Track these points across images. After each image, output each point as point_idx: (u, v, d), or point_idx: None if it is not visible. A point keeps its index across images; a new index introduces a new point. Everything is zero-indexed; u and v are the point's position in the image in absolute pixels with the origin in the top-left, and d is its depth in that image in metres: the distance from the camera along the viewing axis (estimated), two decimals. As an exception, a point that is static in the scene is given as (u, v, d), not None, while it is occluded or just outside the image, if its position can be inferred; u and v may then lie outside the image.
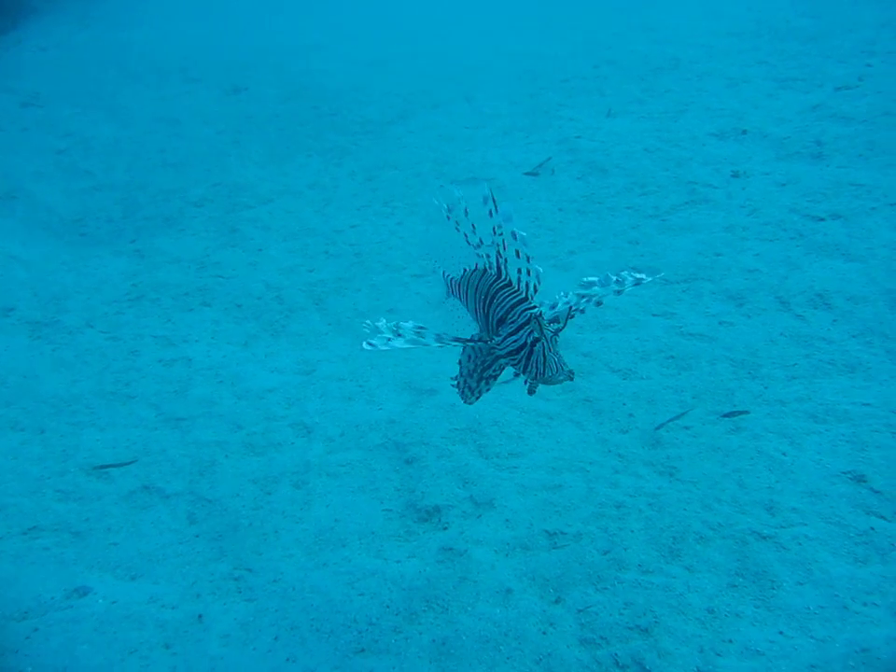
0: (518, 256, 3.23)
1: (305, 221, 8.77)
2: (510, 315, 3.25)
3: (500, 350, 3.29)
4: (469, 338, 3.43)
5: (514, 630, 3.95)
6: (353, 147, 10.60)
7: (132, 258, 8.14)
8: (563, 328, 3.17)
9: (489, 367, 3.45)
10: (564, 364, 3.13)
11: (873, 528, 4.19)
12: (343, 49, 14.91)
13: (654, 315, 6.51)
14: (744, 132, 9.21)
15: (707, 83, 10.90)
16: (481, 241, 3.43)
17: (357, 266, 7.77)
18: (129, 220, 9.05)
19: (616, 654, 3.76)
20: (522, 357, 3.17)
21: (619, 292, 3.08)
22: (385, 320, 3.14)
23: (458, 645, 3.90)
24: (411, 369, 6.11)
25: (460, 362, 3.49)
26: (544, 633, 3.92)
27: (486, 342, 3.39)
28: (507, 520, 4.62)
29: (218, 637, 4.03)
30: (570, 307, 3.10)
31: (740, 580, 4.07)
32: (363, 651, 3.93)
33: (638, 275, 3.14)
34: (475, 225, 3.43)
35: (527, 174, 9.23)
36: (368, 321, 3.12)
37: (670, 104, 10.42)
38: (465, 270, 3.68)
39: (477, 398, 3.51)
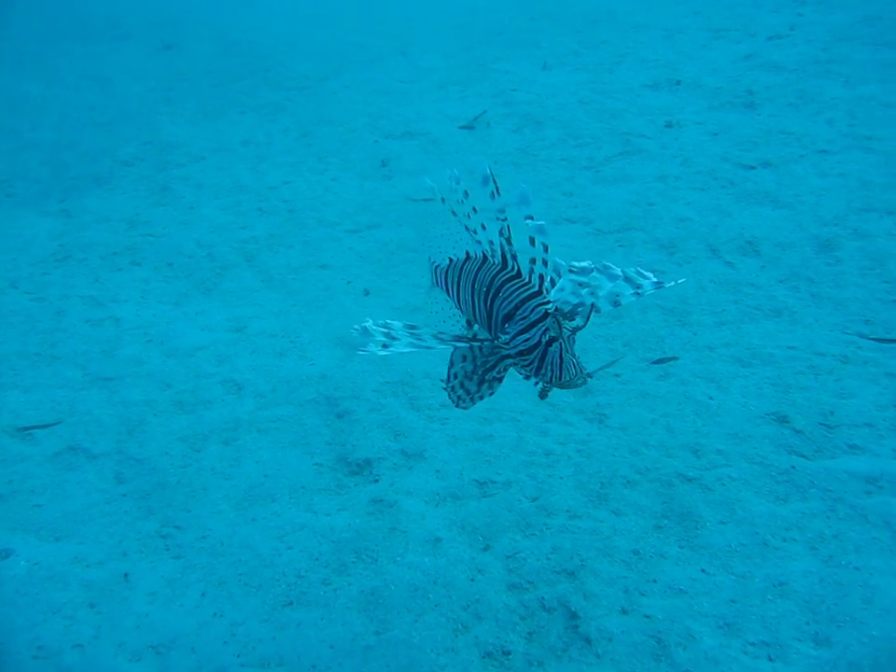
0: (533, 244, 2.91)
1: (238, 178, 8.64)
2: (519, 311, 2.94)
3: (508, 350, 2.98)
4: (471, 336, 3.14)
5: (443, 578, 3.96)
6: (287, 103, 10.44)
7: (59, 218, 7.96)
8: (583, 327, 2.83)
9: (492, 368, 3.11)
10: (582, 367, 2.86)
11: (793, 467, 4.26)
12: (277, 5, 14.63)
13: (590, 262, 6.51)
14: (678, 82, 9.22)
15: (643, 34, 10.89)
16: (483, 226, 3.10)
17: (291, 222, 7.68)
18: (57, 180, 8.84)
19: (543, 598, 3.79)
20: (534, 359, 2.88)
21: (638, 294, 2.75)
22: (371, 321, 2.87)
23: (387, 594, 3.90)
24: (343, 324, 6.06)
25: (452, 362, 3.14)
26: (472, 580, 3.94)
27: (491, 340, 3.06)
28: (437, 470, 4.63)
29: (145, 595, 3.99)
30: (593, 304, 2.75)
31: (665, 521, 4.12)
32: (291, 603, 3.92)
33: (647, 273, 2.79)
34: (476, 208, 3.13)
35: (462, 127, 9.17)
36: (356, 326, 2.85)
37: (605, 55, 10.40)
38: (451, 259, 3.36)
39: (475, 402, 3.16)
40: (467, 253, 3.28)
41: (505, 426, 4.92)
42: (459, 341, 3.02)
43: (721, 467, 4.37)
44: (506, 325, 2.99)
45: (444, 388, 3.18)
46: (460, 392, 3.14)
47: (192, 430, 5.07)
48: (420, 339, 2.89)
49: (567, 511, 4.25)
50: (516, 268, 3.03)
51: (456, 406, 3.18)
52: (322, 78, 11.06)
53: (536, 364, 2.89)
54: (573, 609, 3.71)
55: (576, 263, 2.67)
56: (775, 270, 5.99)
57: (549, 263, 2.90)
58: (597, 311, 2.78)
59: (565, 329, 2.83)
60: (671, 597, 3.73)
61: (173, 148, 9.36)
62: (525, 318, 2.92)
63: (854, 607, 3.53)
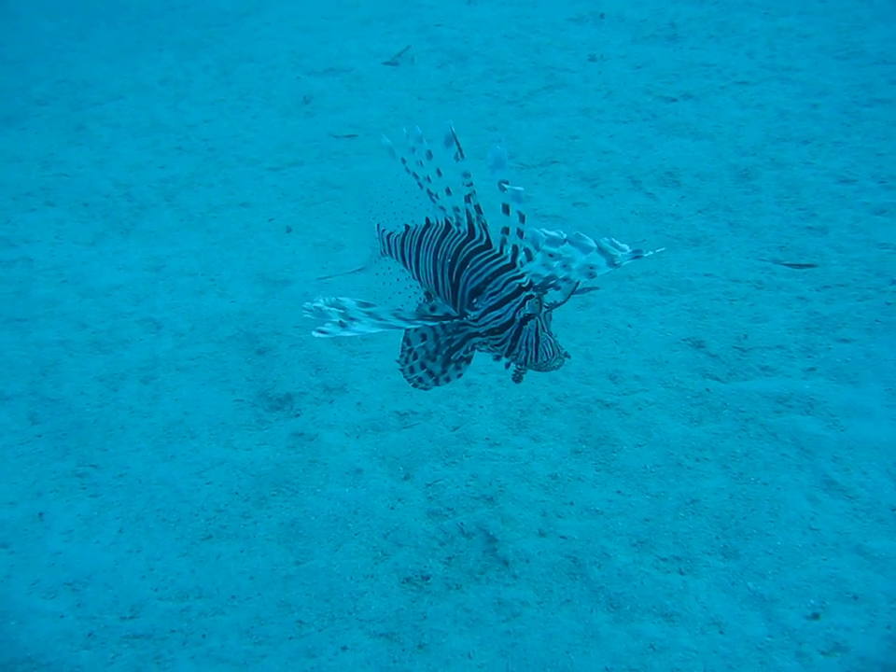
0: (507, 212, 2.66)
1: (157, 117, 8.41)
2: (490, 286, 2.71)
3: (477, 327, 2.76)
4: (433, 310, 2.90)
5: (363, 508, 3.97)
6: (207, 40, 10.16)
7: (-32, 159, 7.68)
8: (562, 303, 2.65)
9: (458, 347, 2.87)
10: (559, 347, 2.67)
11: (708, 390, 4.34)
12: (197, -62, 14.17)
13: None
14: (602, 16, 9.17)
15: (568, -32, 10.77)
16: (448, 190, 2.84)
17: (211, 161, 7.52)
18: (-35, 120, 8.52)
19: (462, 523, 3.83)
20: (507, 338, 2.68)
21: (615, 265, 2.57)
22: (322, 299, 2.67)
23: (307, 525, 3.91)
24: (264, 262, 5.98)
25: (408, 340, 2.89)
26: (392, 508, 3.96)
27: (458, 318, 2.81)
28: (358, 403, 4.62)
29: (60, 534, 3.94)
30: (577, 283, 2.61)
31: (583, 446, 4.17)
32: (210, 537, 3.90)
33: (622, 245, 2.66)
34: (440, 170, 2.87)
35: (386, 63, 9.03)
36: (307, 304, 2.65)
37: (531, -11, 10.28)
38: (408, 226, 3.13)
39: (440, 384, 2.94)
40: (427, 220, 3.03)
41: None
42: (425, 318, 2.78)
43: (639, 392, 4.43)
44: (474, 300, 2.75)
45: (400, 369, 2.94)
46: (421, 374, 2.90)
47: (109, 370, 4.99)
48: (381, 318, 2.65)
49: (487, 438, 4.28)
50: (485, 237, 2.79)
51: (414, 386, 2.96)
52: (243, 15, 10.78)
53: (509, 343, 2.68)
54: (491, 534, 3.75)
55: (546, 232, 2.56)
56: (694, 200, 6.04)
57: (524, 234, 2.66)
58: (571, 283, 2.61)
59: (538, 298, 2.63)
60: (587, 518, 3.79)
61: (88, 87, 9.07)
62: (496, 293, 2.69)
63: (761, 520, 3.63)
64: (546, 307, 2.64)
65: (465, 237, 2.82)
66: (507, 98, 7.97)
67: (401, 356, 2.93)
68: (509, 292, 2.68)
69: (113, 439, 4.49)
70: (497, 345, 2.74)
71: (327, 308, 2.66)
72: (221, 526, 3.96)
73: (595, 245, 2.57)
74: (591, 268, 2.56)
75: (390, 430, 4.41)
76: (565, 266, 2.53)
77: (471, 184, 2.74)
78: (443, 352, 2.86)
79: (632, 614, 3.34)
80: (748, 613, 3.28)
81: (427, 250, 2.96)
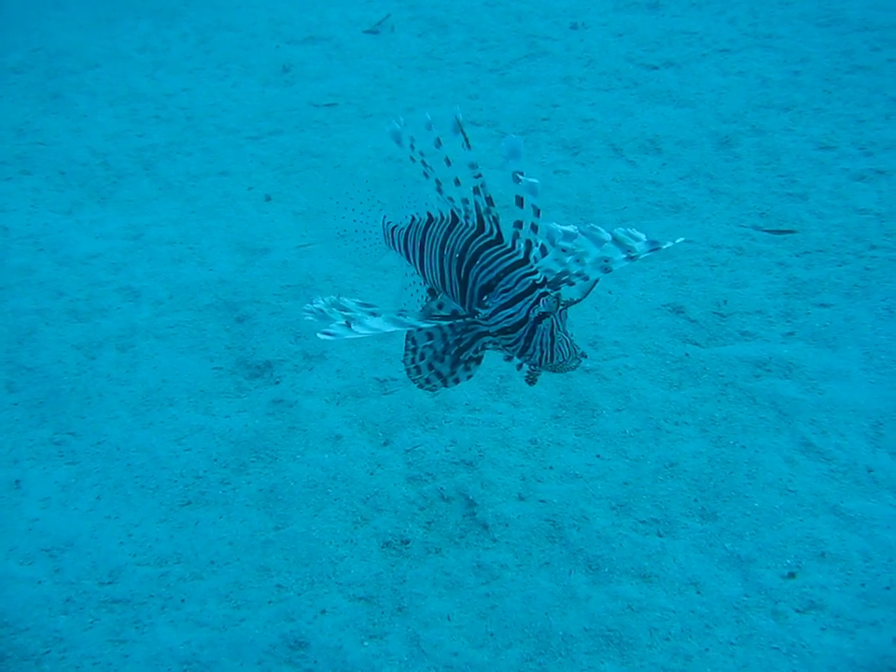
0: (521, 205, 2.55)
1: (134, 86, 8.33)
2: (501, 282, 2.58)
3: (487, 326, 2.62)
4: (448, 314, 2.74)
5: (343, 473, 3.96)
6: (184, 7, 10.05)
7: (-58, 127, 7.59)
8: (579, 301, 2.52)
9: (468, 347, 2.73)
10: (575, 347, 2.54)
11: (687, 355, 4.34)
12: None
13: (491, 168, 6.46)
14: (584, -17, 9.09)
15: (550, -64, 10.68)
16: (457, 181, 2.70)
17: (190, 130, 7.45)
18: (-61, 89, 8.41)
19: (441, 488, 3.83)
20: (520, 337, 2.54)
21: (632, 258, 2.48)
22: (321, 299, 2.55)
23: (286, 491, 3.90)
24: (243, 230, 5.93)
25: (413, 340, 2.73)
26: (372, 474, 3.95)
27: (468, 317, 2.65)
28: (338, 370, 4.60)
29: (37, 501, 3.92)
30: (596, 280, 2.48)
31: (563, 411, 4.17)
32: (189, 503, 3.89)
33: (638, 234, 2.55)
34: (449, 159, 2.72)
35: (367, 31, 8.96)
36: (308, 306, 2.52)
37: (512, -43, 10.18)
38: (415, 217, 2.97)
39: (448, 386, 2.80)
40: (429, 214, 2.88)
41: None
42: (433, 318, 2.63)
43: (618, 357, 4.43)
44: (484, 297, 2.61)
45: (406, 370, 2.78)
46: (428, 374, 2.74)
47: (87, 338, 4.95)
48: (392, 319, 2.48)
49: (467, 404, 4.28)
50: (495, 231, 2.65)
51: (421, 387, 2.82)
52: (221, -18, 10.64)
53: (522, 343, 2.55)
54: (471, 498, 3.75)
55: (560, 227, 2.40)
56: (675, 167, 6.03)
57: (539, 229, 2.53)
58: (585, 279, 2.49)
59: (556, 296, 2.49)
60: (567, 482, 3.80)
61: (64, 55, 8.96)
62: (508, 290, 2.55)
63: (739, 482, 3.64)
64: (562, 305, 2.50)
65: (474, 231, 2.68)
66: (488, 66, 7.92)
67: (406, 355, 2.76)
68: (522, 289, 2.54)
69: (91, 406, 4.46)
70: (509, 345, 2.60)
71: (328, 309, 2.53)
72: (200, 493, 3.94)
73: (609, 238, 2.44)
74: (606, 261, 2.45)
75: (370, 397, 4.40)
76: (578, 261, 2.42)
77: (480, 175, 2.62)
78: (452, 352, 2.71)
79: (610, 576, 3.36)
80: (725, 573, 3.30)
81: (432, 244, 2.80)
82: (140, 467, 4.08)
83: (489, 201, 2.64)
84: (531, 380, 2.74)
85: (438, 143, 2.76)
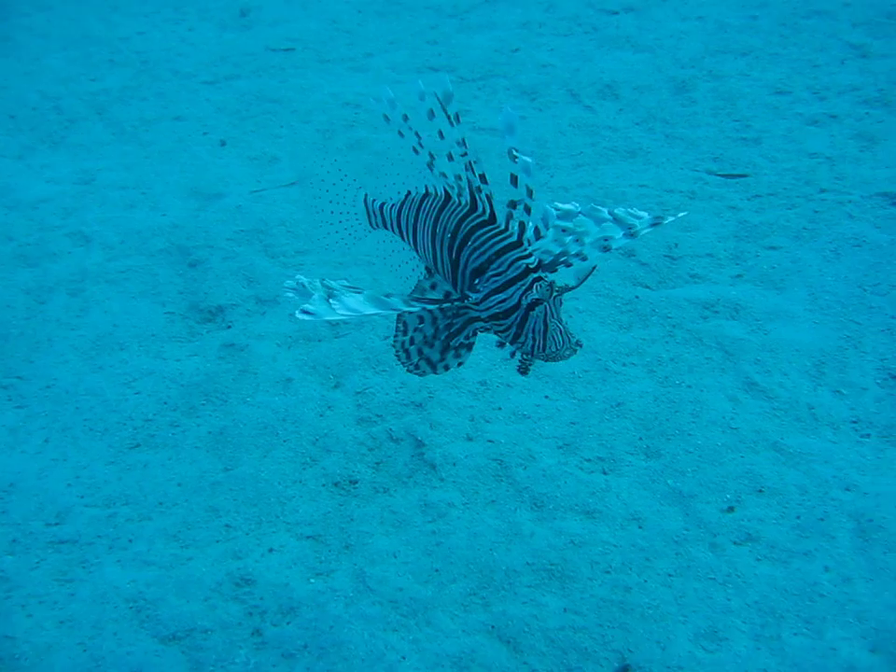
0: (516, 185, 2.37)
1: (88, 29, 8.17)
2: (493, 266, 2.43)
3: (479, 311, 2.49)
4: (439, 296, 2.61)
5: (292, 416, 3.97)
6: (140, -51, 9.81)
7: None
8: (575, 287, 2.38)
9: (458, 332, 2.60)
10: (570, 334, 2.41)
11: (637, 297, 4.37)
12: None
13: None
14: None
15: None
16: (450, 156, 2.48)
17: (145, 74, 7.33)
18: None
19: (391, 429, 3.85)
20: (511, 324, 2.41)
21: (631, 236, 2.37)
22: (303, 277, 2.34)
23: (236, 433, 3.90)
24: (198, 175, 5.87)
25: (404, 323, 2.60)
26: (322, 416, 3.96)
27: (458, 300, 2.52)
28: (290, 314, 4.58)
29: (-16, 444, 3.91)
30: (594, 267, 2.35)
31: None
32: (138, 446, 3.89)
33: (641, 213, 2.43)
34: (443, 132, 2.49)
35: (326, -26, 8.80)
36: (288, 281, 2.33)
37: None
38: (410, 193, 2.76)
39: (438, 373, 2.66)
40: (426, 188, 2.70)
41: (360, 269, 4.88)
42: (422, 301, 2.48)
43: (570, 300, 4.44)
44: (476, 281, 2.47)
45: (395, 354, 2.63)
46: (417, 360, 2.61)
47: (36, 283, 4.90)
48: (376, 298, 2.32)
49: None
50: (488, 211, 2.49)
51: (409, 371, 2.66)
52: (178, -76, 10.41)
53: (514, 330, 2.41)
54: (420, 438, 3.78)
55: (560, 205, 2.30)
56: (632, 112, 6.01)
57: (533, 210, 2.39)
58: (584, 259, 2.36)
59: (550, 283, 2.36)
60: (515, 423, 3.83)
61: (15, -3, 8.77)
62: (500, 274, 2.41)
63: (684, 421, 3.69)
64: (556, 291, 2.35)
65: (466, 210, 2.51)
66: (448, 11, 7.83)
67: (395, 337, 2.62)
68: (514, 273, 2.38)
69: (40, 351, 4.43)
70: (500, 332, 2.46)
71: (309, 284, 2.31)
72: (149, 435, 3.94)
73: (609, 216, 2.35)
74: (606, 240, 2.33)
75: (322, 340, 4.40)
76: (577, 241, 2.31)
77: (465, 154, 2.43)
78: (442, 337, 2.57)
79: (555, 513, 3.40)
80: (666, 509, 3.36)
81: (425, 222, 2.63)
82: (89, 410, 4.07)
83: (482, 178, 2.45)
84: (523, 370, 2.56)
85: (431, 114, 2.49)
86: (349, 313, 2.21)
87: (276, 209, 5.41)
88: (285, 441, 3.86)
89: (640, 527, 3.30)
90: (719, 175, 5.18)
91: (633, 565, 3.16)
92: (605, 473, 3.55)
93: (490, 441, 3.75)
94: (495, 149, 5.83)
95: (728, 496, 3.36)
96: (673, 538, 3.23)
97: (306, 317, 2.14)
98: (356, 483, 3.65)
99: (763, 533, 3.18)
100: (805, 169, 5.08)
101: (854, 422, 3.59)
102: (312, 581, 3.27)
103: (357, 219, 3.00)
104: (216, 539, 3.45)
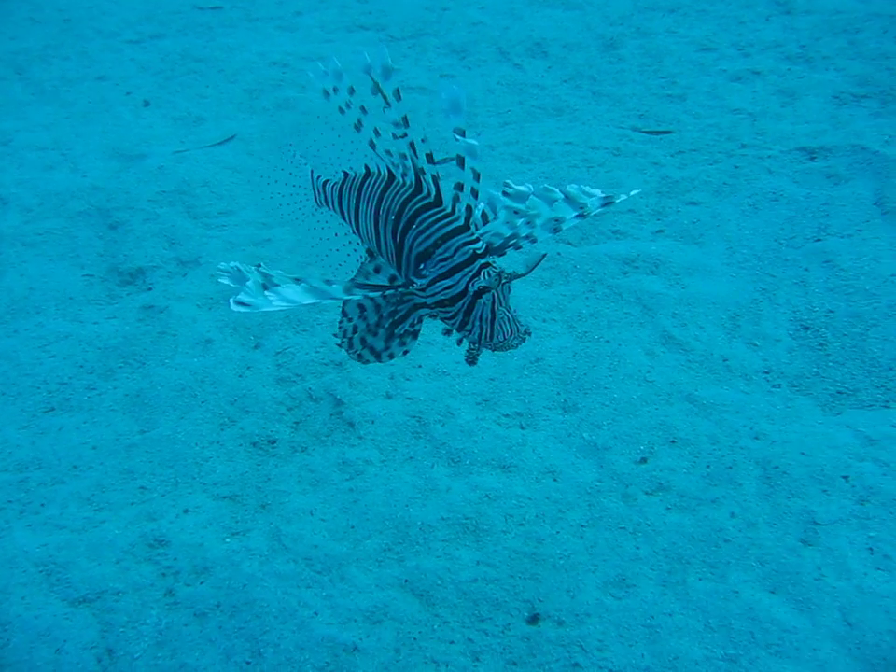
0: (462, 166, 2.25)
1: (8, -13, 7.93)
2: (439, 250, 2.32)
3: (425, 298, 2.39)
4: (383, 283, 2.48)
5: (211, 377, 3.93)
6: None
7: None
8: (524, 275, 2.31)
9: (403, 319, 2.49)
10: (518, 323, 2.33)
11: (559, 254, 4.37)
12: None
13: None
14: None
15: None
16: (398, 133, 2.37)
17: (67, 33, 7.15)
18: None
19: (310, 389, 3.82)
20: (458, 311, 2.32)
21: (582, 216, 2.28)
22: (236, 264, 2.20)
23: (153, 395, 3.85)
24: (120, 136, 5.75)
25: (346, 314, 2.49)
26: (241, 376, 3.93)
27: (402, 286, 2.41)
28: (212, 275, 4.51)
29: None
30: (543, 255, 2.37)
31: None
32: (53, 409, 3.82)
33: (593, 190, 2.33)
34: (388, 107, 2.38)
35: (256, -68, 8.62)
36: (222, 265, 2.20)
37: None
38: (347, 173, 2.65)
39: (383, 361, 2.56)
40: (366, 168, 2.57)
41: (283, 230, 4.83)
42: (364, 288, 2.36)
43: (492, 257, 4.44)
44: (421, 266, 2.36)
45: (338, 344, 2.54)
46: (361, 350, 2.50)
47: (-51, 247, 4.78)
48: (312, 286, 2.21)
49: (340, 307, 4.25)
50: (433, 193, 2.38)
51: (354, 359, 2.57)
52: None
53: (460, 318, 2.32)
54: (339, 397, 3.76)
55: (513, 186, 2.18)
56: (560, 70, 5.99)
57: (480, 194, 2.30)
58: (533, 241, 2.29)
59: (498, 273, 2.26)
60: (434, 380, 3.83)
61: (-68, -46, 8.47)
62: (446, 259, 2.31)
63: (601, 375, 3.71)
64: (505, 278, 2.26)
65: (411, 191, 2.40)
66: (378, -32, 7.71)
67: (339, 327, 2.51)
68: (461, 259, 2.29)
69: (-48, 316, 4.33)
70: (447, 319, 2.37)
71: (245, 269, 2.19)
72: (65, 399, 3.88)
73: (561, 196, 2.25)
74: (556, 221, 2.25)
75: (243, 301, 4.34)
76: (529, 223, 2.20)
77: (405, 135, 2.33)
78: (386, 325, 2.47)
79: (471, 468, 3.41)
80: (581, 461, 3.38)
81: (367, 203, 2.51)
82: (1, 374, 3.98)
83: (429, 158, 2.35)
84: (471, 359, 2.45)
85: (377, 89, 2.37)
86: (286, 304, 2.10)
87: (200, 170, 5.32)
88: (203, 403, 3.81)
89: (555, 480, 3.32)
90: (643, 132, 5.19)
91: (546, 517, 3.19)
92: (522, 428, 3.56)
93: (409, 398, 3.74)
94: (423, 108, 5.78)
95: (642, 447, 3.39)
96: (587, 489, 3.26)
97: (241, 309, 2.04)
98: (274, 442, 3.62)
99: (674, 482, 3.21)
100: (727, 125, 5.10)
101: (766, 373, 3.64)
102: (227, 540, 3.25)
103: (286, 183, 2.95)
104: (130, 502, 3.41)
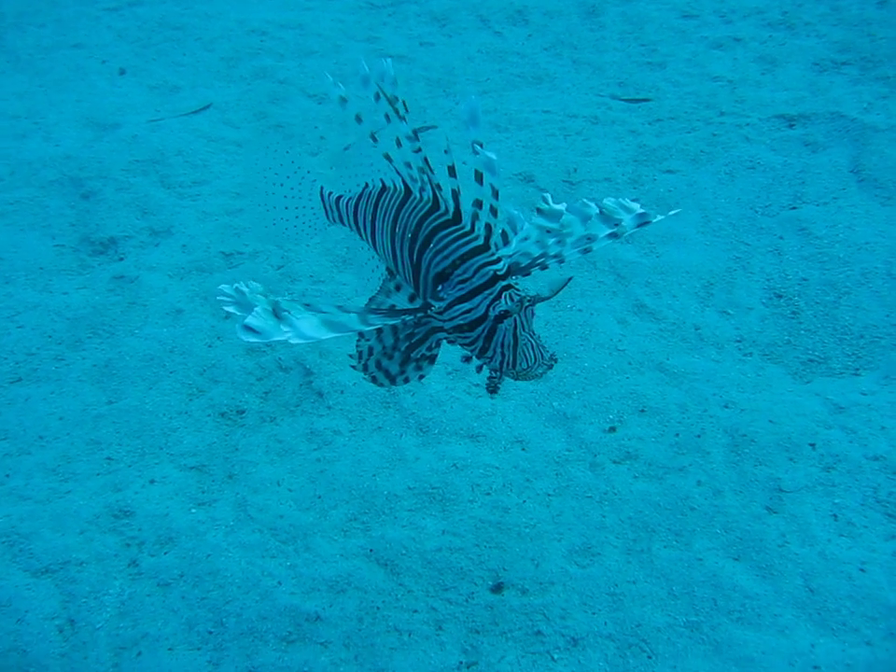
0: (480, 182, 2.13)
1: (-17, -46, 7.80)
2: (458, 271, 2.18)
3: (443, 321, 2.25)
4: (403, 308, 2.36)
5: (181, 347, 3.89)
6: None
7: None
8: (549, 298, 2.14)
9: (420, 343, 2.36)
10: (543, 349, 2.20)
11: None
12: None
13: (358, 41, 6.29)
14: None
15: None
16: (417, 143, 2.25)
17: (42, 0, 7.04)
18: None
19: (280, 359, 3.79)
20: (478, 337, 2.17)
21: (616, 236, 2.13)
22: (244, 284, 2.00)
23: (122, 366, 3.81)
24: (94, 104, 5.67)
25: (361, 332, 2.35)
26: (210, 346, 3.89)
27: (420, 310, 2.27)
28: (184, 245, 4.48)
29: None
30: (569, 278, 2.16)
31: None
32: (20, 380, 3.78)
33: (632, 204, 2.19)
34: (406, 116, 2.26)
35: None
36: (224, 287, 2.00)
37: None
38: (367, 185, 2.51)
39: (397, 385, 2.43)
40: (382, 182, 2.43)
41: (258, 199, 4.76)
42: (379, 313, 2.23)
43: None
44: (439, 287, 2.23)
45: (353, 366, 2.41)
46: (375, 373, 2.38)
47: (-81, 217, 4.72)
48: (323, 312, 2.06)
49: (311, 276, 4.22)
50: (451, 210, 2.24)
51: (372, 383, 2.45)
52: None
53: (480, 344, 2.18)
54: (308, 367, 3.73)
55: (549, 203, 2.07)
56: (541, 38, 5.92)
57: (499, 212, 2.17)
58: (561, 261, 2.17)
59: (521, 298, 2.12)
60: (406, 349, 3.79)
61: None
62: (465, 280, 2.17)
63: (572, 344, 3.68)
64: (528, 301, 2.12)
65: (428, 207, 2.27)
66: (360, -65, 7.60)
67: (356, 349, 2.40)
68: (481, 281, 2.15)
69: (-81, 285, 4.28)
70: (466, 345, 2.23)
71: (250, 293, 1.99)
72: (32, 369, 3.84)
73: (597, 210, 2.13)
74: (588, 239, 2.11)
75: (215, 271, 4.31)
76: (559, 241, 2.08)
77: (420, 150, 2.22)
78: (402, 348, 2.35)
79: (440, 437, 3.39)
80: (550, 431, 3.35)
81: (384, 220, 2.38)
82: (-32, 345, 3.95)
83: (451, 171, 2.21)
84: (492, 388, 2.30)
85: (399, 103, 2.26)
86: (302, 340, 1.94)
87: (174, 139, 5.25)
88: (171, 373, 3.78)
89: (523, 449, 3.30)
90: (622, 100, 5.14)
91: (514, 486, 3.17)
92: (491, 398, 3.53)
93: (380, 368, 3.71)
94: (402, 76, 5.71)
95: (611, 416, 3.36)
96: (555, 458, 3.24)
97: (251, 337, 1.87)
98: (242, 412, 3.59)
99: (642, 451, 3.19)
100: (706, 93, 5.05)
101: (738, 341, 3.61)
102: (193, 511, 3.22)
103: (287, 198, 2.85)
104: (96, 472, 3.38)
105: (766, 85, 5.02)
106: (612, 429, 3.31)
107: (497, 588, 2.85)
